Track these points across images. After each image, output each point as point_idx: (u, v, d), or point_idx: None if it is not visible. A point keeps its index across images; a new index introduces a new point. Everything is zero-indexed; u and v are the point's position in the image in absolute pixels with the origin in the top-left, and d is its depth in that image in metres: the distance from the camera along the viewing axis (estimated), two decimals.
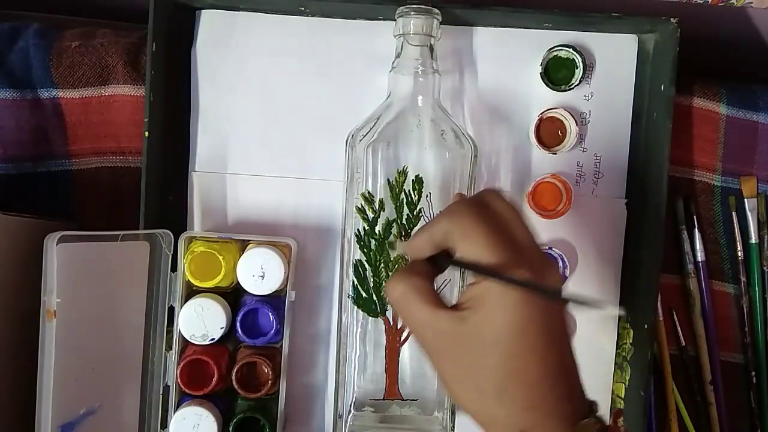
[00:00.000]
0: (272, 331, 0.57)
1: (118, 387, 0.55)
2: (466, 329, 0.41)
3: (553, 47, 0.60)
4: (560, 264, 0.60)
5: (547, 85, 0.60)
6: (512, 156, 0.61)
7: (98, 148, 0.62)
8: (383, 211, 0.54)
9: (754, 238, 0.63)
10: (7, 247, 0.52)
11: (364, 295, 0.56)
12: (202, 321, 0.56)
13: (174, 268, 0.57)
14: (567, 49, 0.59)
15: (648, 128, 0.61)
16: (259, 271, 0.56)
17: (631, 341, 0.61)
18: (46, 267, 0.49)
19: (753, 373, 0.63)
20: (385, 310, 0.56)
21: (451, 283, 0.56)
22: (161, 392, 0.57)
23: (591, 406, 0.43)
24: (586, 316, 0.62)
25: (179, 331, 0.56)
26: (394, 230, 0.54)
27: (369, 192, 0.55)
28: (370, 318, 0.56)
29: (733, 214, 0.63)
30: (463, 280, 0.57)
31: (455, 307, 0.42)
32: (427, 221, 0.54)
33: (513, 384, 0.40)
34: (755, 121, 0.63)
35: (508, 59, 0.61)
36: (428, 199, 0.55)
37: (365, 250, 0.55)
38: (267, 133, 0.61)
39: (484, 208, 0.43)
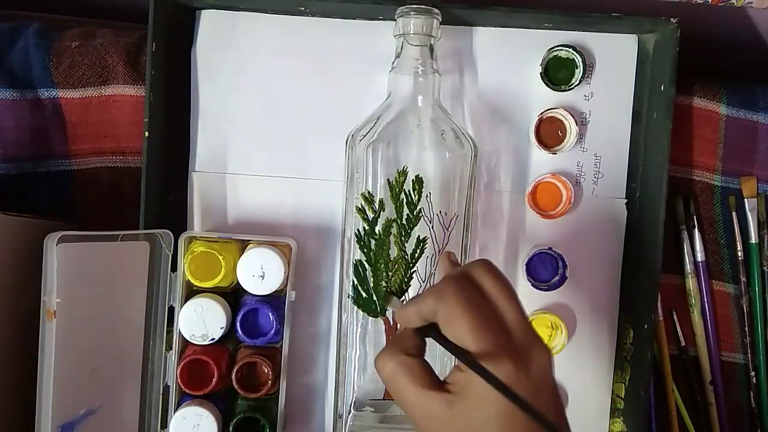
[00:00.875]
0: (272, 331, 0.57)
1: (118, 387, 0.55)
2: (453, 415, 0.41)
3: (553, 47, 0.60)
4: (560, 264, 0.60)
5: (547, 85, 0.60)
6: (512, 156, 0.61)
7: (98, 148, 0.62)
8: (383, 211, 0.54)
9: (754, 238, 0.63)
10: (7, 247, 0.52)
11: (363, 295, 0.55)
12: (202, 321, 0.56)
13: (174, 268, 0.57)
14: (567, 49, 0.59)
15: (648, 128, 0.61)
16: (259, 271, 0.56)
17: (631, 341, 0.61)
18: (46, 267, 0.49)
19: (753, 373, 0.63)
20: (385, 310, 0.56)
21: None
22: (161, 392, 0.57)
23: None
24: (586, 315, 0.62)
25: (179, 331, 0.56)
26: (394, 230, 0.54)
27: (369, 192, 0.55)
28: (370, 318, 0.56)
29: (733, 214, 0.63)
30: None
31: (443, 387, 0.42)
32: (417, 294, 0.54)
33: None
34: (755, 121, 0.63)
35: (508, 59, 0.61)
36: (428, 199, 0.55)
37: (365, 250, 0.55)
38: (267, 133, 0.61)
39: (471, 288, 0.43)
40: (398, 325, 0.55)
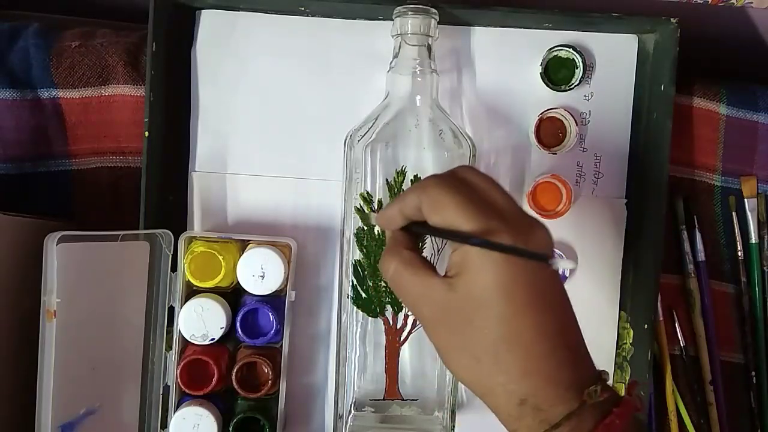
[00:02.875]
0: (272, 331, 0.57)
1: (118, 387, 0.55)
2: (456, 296, 0.40)
3: (553, 47, 0.60)
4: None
5: (547, 85, 0.60)
6: (512, 156, 0.61)
7: (98, 148, 0.62)
8: None
9: (754, 238, 0.63)
10: (7, 247, 0.52)
11: (363, 295, 0.55)
12: (202, 321, 0.56)
13: (174, 268, 0.57)
14: (567, 49, 0.59)
15: (648, 128, 0.61)
16: (259, 271, 0.56)
17: (631, 341, 0.61)
18: (46, 267, 0.49)
19: (753, 373, 0.63)
20: (385, 310, 0.56)
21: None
22: (161, 392, 0.57)
23: (599, 375, 0.41)
24: (586, 315, 0.62)
25: (179, 331, 0.56)
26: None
27: (368, 192, 0.55)
28: (370, 318, 0.56)
29: (733, 214, 0.63)
30: None
31: (445, 276, 0.42)
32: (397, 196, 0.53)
33: (506, 348, 0.39)
34: (755, 121, 0.63)
35: (508, 59, 0.61)
36: None
37: (364, 250, 0.55)
38: (267, 133, 0.61)
39: (455, 179, 0.43)
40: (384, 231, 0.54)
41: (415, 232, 0.45)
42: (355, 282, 0.55)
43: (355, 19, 0.60)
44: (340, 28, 0.60)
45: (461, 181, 0.43)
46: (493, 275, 0.39)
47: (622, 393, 0.61)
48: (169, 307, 0.57)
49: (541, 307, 0.40)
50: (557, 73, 0.60)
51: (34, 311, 0.50)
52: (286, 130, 0.61)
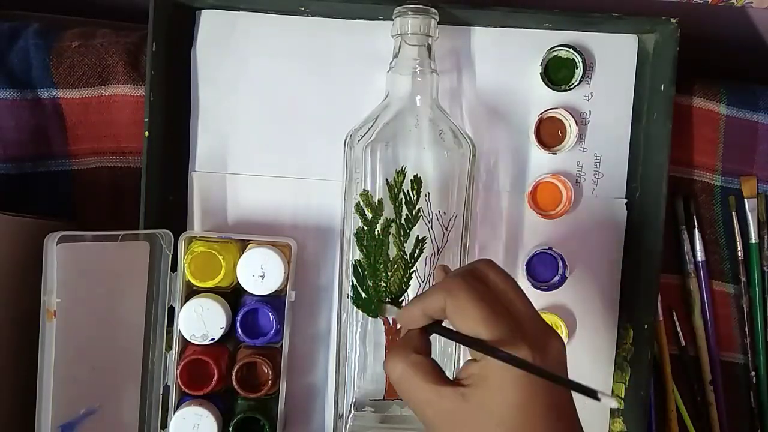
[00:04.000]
0: (272, 331, 0.57)
1: (118, 387, 0.55)
2: (469, 407, 0.41)
3: (553, 47, 0.60)
4: (560, 264, 0.60)
5: (547, 85, 0.60)
6: (512, 156, 0.61)
7: (98, 148, 0.62)
8: (382, 211, 0.54)
9: (754, 238, 0.63)
10: (7, 247, 0.52)
11: (363, 295, 0.55)
12: (202, 321, 0.56)
13: (174, 268, 0.57)
14: (567, 49, 0.59)
15: (648, 128, 0.61)
16: (259, 271, 0.56)
17: (631, 341, 0.61)
18: (46, 267, 0.49)
19: (753, 373, 0.63)
20: (385, 310, 0.56)
21: None
22: (161, 392, 0.57)
23: None
24: (586, 315, 0.62)
25: (179, 331, 0.56)
26: (393, 230, 0.54)
27: (368, 192, 0.55)
28: (370, 318, 0.56)
29: (733, 214, 0.63)
30: None
31: (455, 383, 0.42)
32: (420, 293, 0.54)
33: None
34: (755, 121, 0.63)
35: (508, 59, 0.61)
36: (427, 199, 0.55)
37: (364, 250, 0.55)
38: (267, 133, 0.61)
39: (479, 282, 0.43)
40: (398, 327, 0.55)
41: (434, 333, 0.45)
42: (354, 282, 0.55)
43: (355, 19, 0.60)
44: (340, 28, 0.60)
45: (483, 282, 0.43)
46: (512, 393, 0.40)
47: (622, 393, 0.61)
48: (169, 307, 0.57)
49: (555, 421, 0.40)
50: (557, 73, 0.60)
51: (34, 311, 0.49)
52: (286, 130, 0.61)
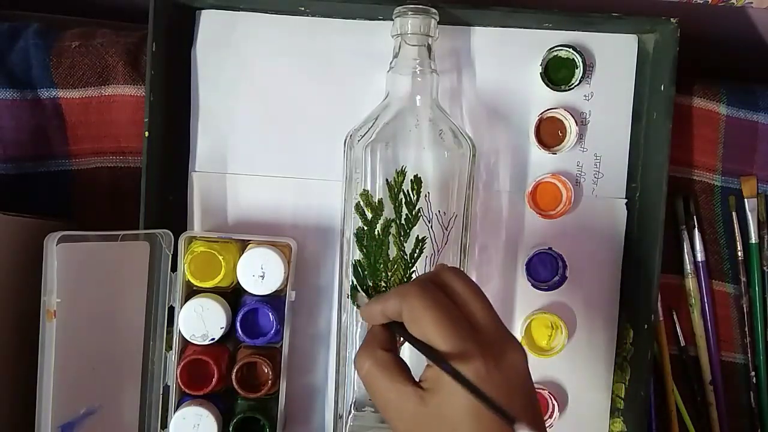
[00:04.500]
0: (272, 331, 0.57)
1: (118, 387, 0.55)
2: (426, 411, 0.41)
3: (553, 47, 0.60)
4: (560, 264, 0.60)
5: (547, 85, 0.60)
6: (512, 156, 0.61)
7: (98, 148, 0.62)
8: (382, 211, 0.54)
9: (754, 238, 0.63)
10: (7, 247, 0.52)
11: (363, 295, 0.55)
12: (202, 321, 0.56)
13: (174, 268, 0.57)
14: (567, 49, 0.59)
15: (648, 128, 0.61)
16: (259, 271, 0.56)
17: (631, 341, 0.61)
18: (46, 267, 0.49)
19: (753, 373, 0.63)
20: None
21: None
22: (161, 392, 0.57)
23: None
24: (586, 315, 0.62)
25: (179, 331, 0.56)
26: (393, 230, 0.54)
27: (368, 192, 0.55)
28: None
29: (733, 214, 0.63)
30: None
31: (417, 384, 0.43)
32: (382, 293, 0.53)
33: None
34: (755, 121, 0.63)
35: (508, 59, 0.61)
36: (427, 198, 0.55)
37: (364, 250, 0.55)
38: (267, 133, 0.61)
39: (437, 289, 0.44)
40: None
41: (396, 333, 0.45)
42: (355, 282, 0.55)
43: (355, 19, 0.60)
44: (340, 28, 0.60)
45: (444, 289, 0.44)
46: (464, 402, 0.40)
47: (622, 393, 0.61)
48: (169, 307, 0.57)
49: (507, 430, 0.40)
50: (557, 73, 0.60)
51: (34, 311, 0.49)
52: (286, 130, 0.61)
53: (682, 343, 0.63)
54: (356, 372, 0.45)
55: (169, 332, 0.57)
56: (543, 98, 0.60)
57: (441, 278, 0.45)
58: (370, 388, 0.44)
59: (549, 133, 0.60)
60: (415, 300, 0.43)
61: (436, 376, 0.41)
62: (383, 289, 0.54)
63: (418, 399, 0.42)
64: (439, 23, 0.56)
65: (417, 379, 0.44)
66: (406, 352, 0.48)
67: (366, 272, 0.54)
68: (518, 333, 0.61)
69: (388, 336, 0.46)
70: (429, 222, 0.55)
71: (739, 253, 0.63)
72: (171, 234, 0.57)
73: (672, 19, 0.58)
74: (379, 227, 0.54)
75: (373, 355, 0.44)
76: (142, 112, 0.58)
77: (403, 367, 0.44)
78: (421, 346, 0.42)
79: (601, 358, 0.62)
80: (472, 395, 0.39)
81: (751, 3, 0.58)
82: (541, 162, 0.61)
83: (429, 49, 0.56)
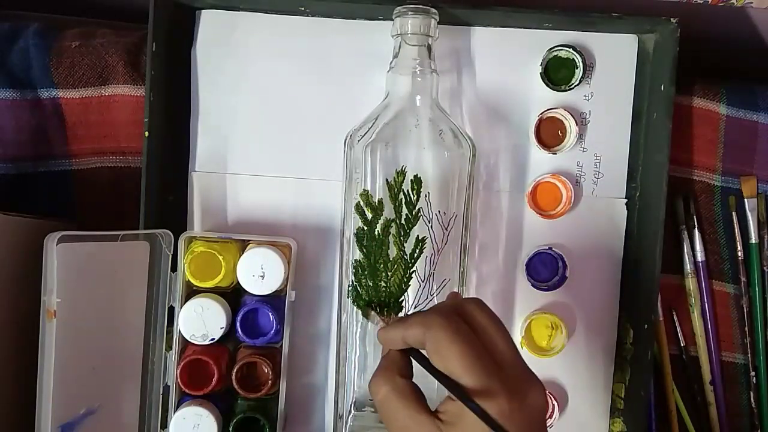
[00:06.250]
0: (272, 331, 0.57)
1: (118, 387, 0.55)
2: None
3: (553, 47, 0.60)
4: (560, 264, 0.60)
5: (547, 85, 0.60)
6: (512, 156, 0.61)
7: (98, 148, 0.62)
8: (382, 211, 0.54)
9: (754, 238, 0.63)
10: (7, 247, 0.52)
11: (363, 295, 0.55)
12: (202, 321, 0.56)
13: (174, 268, 0.57)
14: (567, 49, 0.59)
15: (648, 128, 0.61)
16: (259, 271, 0.56)
17: (631, 341, 0.61)
18: (46, 267, 0.49)
19: (753, 373, 0.63)
20: (383, 312, 0.56)
21: (450, 282, 0.56)
22: (161, 392, 0.57)
23: None
24: (586, 315, 0.62)
25: (179, 331, 0.56)
26: (393, 230, 0.54)
27: (368, 192, 0.55)
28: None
29: (733, 214, 0.63)
30: (462, 280, 0.57)
31: (434, 414, 0.42)
32: (404, 317, 0.53)
33: None
34: (755, 121, 0.63)
35: (508, 59, 0.61)
36: (427, 198, 0.55)
37: (364, 250, 0.55)
38: (267, 133, 0.61)
39: (461, 320, 0.43)
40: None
41: (416, 361, 0.44)
42: (355, 282, 0.55)
43: (355, 19, 0.60)
44: (340, 28, 0.60)
45: (467, 320, 0.43)
46: None
47: (622, 393, 0.61)
48: (169, 307, 0.57)
49: None
50: (557, 73, 0.60)
51: (34, 311, 0.50)
52: (286, 130, 0.61)
53: (682, 343, 0.63)
54: (372, 395, 0.44)
55: (169, 332, 0.57)
56: (543, 98, 0.60)
57: (464, 309, 0.44)
58: (386, 413, 0.43)
59: (549, 133, 0.60)
60: (441, 331, 0.41)
61: (458, 411, 0.41)
62: (383, 289, 0.54)
63: (435, 429, 0.41)
64: (439, 23, 0.56)
65: (435, 409, 0.43)
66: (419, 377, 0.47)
67: (366, 272, 0.54)
68: (518, 333, 0.61)
69: (407, 362, 0.45)
70: (429, 222, 0.55)
71: (739, 253, 0.63)
72: (171, 234, 0.57)
73: (672, 19, 0.58)
74: (379, 227, 0.54)
75: (392, 381, 0.43)
76: (142, 112, 0.58)
77: (420, 395, 0.43)
78: (445, 380, 0.41)
79: (601, 358, 0.62)
80: None
81: (751, 3, 0.58)
82: (541, 162, 0.61)
83: (429, 49, 0.56)
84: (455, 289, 0.56)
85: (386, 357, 0.46)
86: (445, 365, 0.41)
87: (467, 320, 0.43)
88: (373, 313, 0.54)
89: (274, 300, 0.57)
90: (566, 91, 0.60)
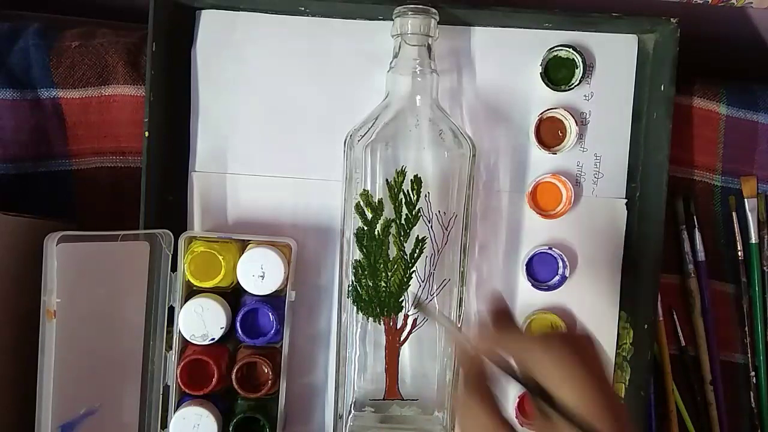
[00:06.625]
0: (272, 331, 0.57)
1: (118, 387, 0.56)
2: None
3: (553, 47, 0.60)
4: (560, 264, 0.60)
5: (547, 85, 0.60)
6: (512, 156, 0.61)
7: (98, 148, 0.62)
8: (382, 211, 0.54)
9: (754, 238, 0.63)
10: (7, 247, 0.52)
11: (363, 296, 0.55)
12: (202, 321, 0.56)
13: (174, 268, 0.57)
14: (567, 49, 0.59)
15: (648, 128, 0.61)
16: (259, 271, 0.56)
17: (631, 341, 0.61)
18: (46, 267, 0.49)
19: (753, 373, 0.63)
20: (384, 312, 0.56)
21: (450, 282, 0.56)
22: (161, 392, 0.57)
23: None
24: (586, 315, 0.62)
25: (179, 331, 0.56)
26: (393, 230, 0.54)
27: (368, 192, 0.55)
28: (370, 318, 0.56)
29: (733, 214, 0.63)
30: (462, 280, 0.57)
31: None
32: (506, 327, 0.45)
33: None
34: (755, 121, 0.63)
35: (507, 59, 0.61)
36: (427, 198, 0.55)
37: (364, 250, 0.55)
38: (267, 133, 0.61)
39: (586, 353, 0.40)
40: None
41: (522, 385, 0.40)
42: (355, 282, 0.55)
43: (355, 19, 0.60)
44: (340, 28, 0.60)
45: (590, 355, 0.40)
46: None
47: (622, 393, 0.61)
48: (169, 307, 0.57)
49: None
50: (557, 73, 0.60)
51: (34, 311, 0.50)
52: (286, 130, 0.61)
53: (682, 343, 0.63)
54: (453, 402, 0.42)
55: (169, 332, 0.57)
56: (543, 98, 0.60)
57: (583, 343, 0.41)
58: (467, 422, 0.40)
59: (549, 133, 0.60)
60: (568, 358, 0.38)
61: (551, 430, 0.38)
62: (383, 289, 0.54)
63: None
64: (439, 23, 0.56)
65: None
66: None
67: (366, 272, 0.54)
68: None
69: (492, 374, 0.41)
70: (429, 222, 0.55)
71: (739, 253, 0.63)
72: (171, 234, 0.57)
73: (672, 19, 0.58)
74: (379, 227, 0.54)
75: (482, 406, 0.40)
76: (142, 112, 0.58)
77: (505, 420, 0.40)
78: (566, 413, 0.37)
79: None
80: None
81: (751, 3, 0.58)
82: (541, 162, 0.61)
83: (429, 49, 0.56)
84: (455, 290, 0.56)
85: (472, 378, 0.42)
86: (571, 399, 0.38)
87: (589, 352, 0.40)
88: (426, 302, 0.51)
89: (274, 300, 0.57)
90: (566, 91, 0.60)
